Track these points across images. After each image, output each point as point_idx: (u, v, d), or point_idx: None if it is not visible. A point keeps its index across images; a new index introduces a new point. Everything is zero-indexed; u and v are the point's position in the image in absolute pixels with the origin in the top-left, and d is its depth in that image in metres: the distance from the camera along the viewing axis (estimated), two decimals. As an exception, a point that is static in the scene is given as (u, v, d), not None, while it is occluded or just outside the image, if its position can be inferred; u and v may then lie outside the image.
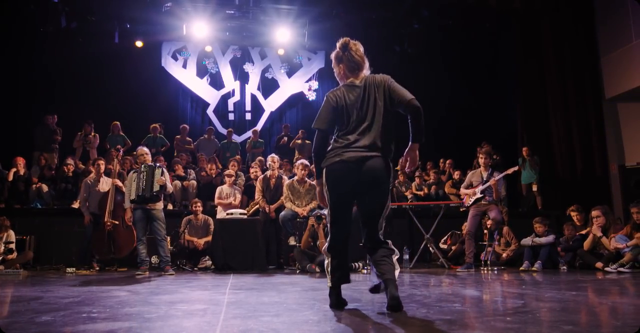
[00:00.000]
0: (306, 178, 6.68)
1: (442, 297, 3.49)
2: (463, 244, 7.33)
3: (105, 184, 6.74)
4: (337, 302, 2.76)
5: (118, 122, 9.82)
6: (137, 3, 9.90)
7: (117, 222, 6.35)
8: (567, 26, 9.58)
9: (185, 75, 11.89)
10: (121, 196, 6.41)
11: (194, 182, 8.36)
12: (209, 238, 6.82)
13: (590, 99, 9.33)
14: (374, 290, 2.82)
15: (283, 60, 12.16)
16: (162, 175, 5.99)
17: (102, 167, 6.92)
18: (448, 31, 10.76)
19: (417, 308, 2.69)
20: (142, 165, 6.07)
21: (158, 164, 6.42)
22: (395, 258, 2.71)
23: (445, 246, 7.45)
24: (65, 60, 10.31)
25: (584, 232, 6.66)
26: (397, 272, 2.66)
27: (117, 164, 6.90)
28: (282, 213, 6.57)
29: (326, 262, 2.82)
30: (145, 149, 6.36)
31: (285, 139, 10.83)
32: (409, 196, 8.75)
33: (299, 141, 10.51)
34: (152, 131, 10.02)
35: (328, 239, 2.79)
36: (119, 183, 6.54)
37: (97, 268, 6.49)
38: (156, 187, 5.91)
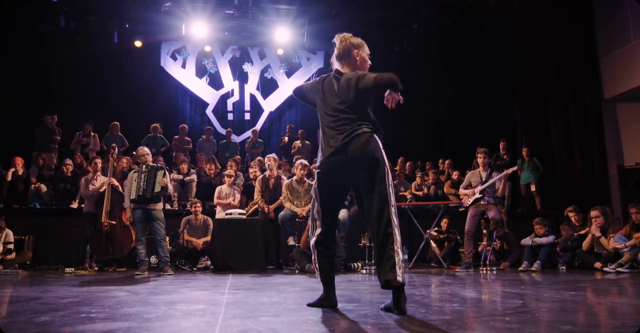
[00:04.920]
0: (305, 178, 6.68)
1: (441, 297, 3.49)
2: (451, 243, 7.36)
3: (100, 183, 6.74)
4: (330, 301, 2.75)
5: (117, 123, 9.82)
6: (136, 3, 9.88)
7: (114, 222, 6.34)
8: (566, 26, 9.58)
9: (185, 75, 11.88)
10: (117, 195, 6.40)
11: (194, 178, 8.34)
12: (208, 238, 6.82)
13: (590, 99, 9.33)
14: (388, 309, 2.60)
15: (282, 60, 12.16)
16: (164, 176, 5.99)
17: (99, 166, 6.92)
18: (447, 31, 10.76)
19: (416, 309, 2.69)
20: (144, 166, 6.07)
21: (160, 165, 6.43)
22: (399, 257, 2.55)
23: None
24: (64, 60, 10.29)
25: (582, 232, 6.67)
26: (399, 275, 2.49)
27: (113, 162, 6.90)
28: (281, 213, 6.58)
29: (313, 257, 2.81)
30: (146, 149, 6.37)
31: (286, 139, 10.84)
32: (408, 196, 8.77)
33: (299, 142, 10.51)
34: (152, 131, 10.01)
35: (316, 233, 2.78)
36: (115, 182, 6.53)
37: (96, 269, 6.49)
38: (157, 188, 5.91)
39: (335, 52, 2.87)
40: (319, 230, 2.78)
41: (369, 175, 2.62)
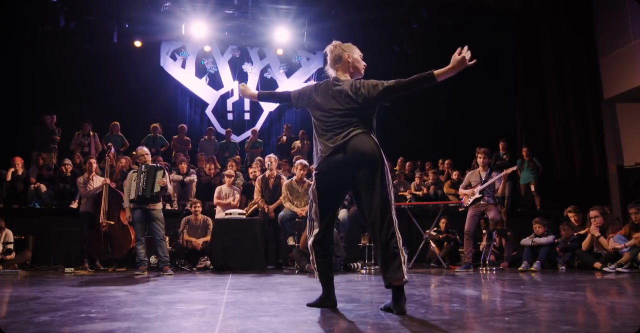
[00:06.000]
0: (305, 178, 6.69)
1: (440, 297, 3.49)
2: (451, 243, 7.36)
3: (97, 183, 6.74)
4: (330, 301, 2.75)
5: (118, 123, 9.82)
6: (135, 3, 9.88)
7: (112, 222, 6.33)
8: (566, 26, 9.58)
9: (184, 75, 11.89)
10: (115, 195, 6.40)
11: (194, 178, 8.33)
12: (208, 238, 6.82)
13: (589, 99, 9.33)
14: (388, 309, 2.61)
15: (282, 60, 12.17)
16: (163, 176, 5.99)
17: (94, 166, 6.92)
18: (447, 31, 10.76)
19: (416, 309, 2.69)
20: (143, 166, 6.07)
21: (160, 165, 6.43)
22: (404, 257, 2.58)
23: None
24: (64, 60, 10.29)
25: (582, 232, 6.68)
26: (405, 274, 2.53)
27: (111, 162, 6.88)
28: (281, 213, 6.58)
29: (312, 257, 2.81)
30: (146, 149, 6.37)
31: (285, 138, 10.84)
32: (408, 196, 8.77)
33: (298, 142, 10.50)
34: (152, 131, 10.01)
35: (314, 234, 2.78)
36: (109, 181, 6.53)
37: (101, 268, 6.49)
38: (157, 188, 5.91)
39: (329, 60, 2.91)
40: (316, 231, 2.77)
41: (370, 174, 2.62)
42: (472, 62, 2.65)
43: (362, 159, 2.63)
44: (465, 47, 2.62)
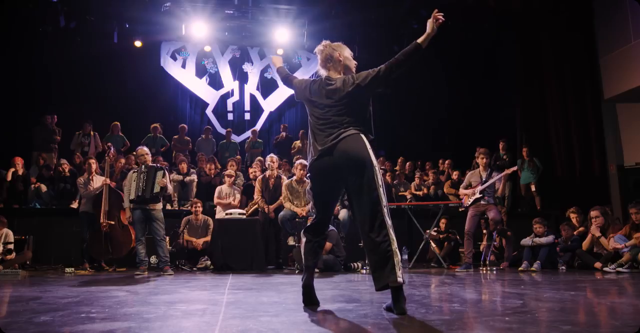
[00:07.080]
0: (305, 178, 6.68)
1: (441, 297, 3.49)
2: (451, 243, 7.36)
3: (97, 183, 6.74)
4: (308, 280, 2.81)
5: (118, 123, 9.81)
6: (136, 3, 9.88)
7: (112, 222, 6.32)
8: (566, 26, 9.58)
9: (185, 75, 11.89)
10: (115, 195, 6.39)
11: (195, 178, 8.33)
12: (208, 238, 6.82)
13: (589, 99, 9.33)
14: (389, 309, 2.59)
15: (282, 60, 12.16)
16: (163, 177, 5.98)
17: (93, 166, 6.92)
18: (447, 31, 10.74)
19: (416, 308, 2.69)
20: (143, 166, 6.07)
21: (159, 165, 6.42)
22: (398, 258, 2.53)
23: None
24: (64, 60, 10.28)
25: (576, 231, 6.71)
26: (399, 275, 2.48)
27: (110, 162, 6.89)
28: (281, 213, 6.58)
29: (302, 244, 2.87)
30: (146, 149, 6.36)
31: (284, 134, 10.84)
32: (408, 196, 8.77)
33: (299, 142, 10.50)
34: (152, 131, 10.01)
35: (310, 222, 2.90)
36: (109, 181, 6.53)
37: (110, 270, 6.50)
38: (156, 188, 5.91)
39: (319, 60, 2.92)
40: (313, 220, 2.88)
41: (358, 177, 2.62)
42: (439, 21, 2.93)
43: (349, 162, 2.63)
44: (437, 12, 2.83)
